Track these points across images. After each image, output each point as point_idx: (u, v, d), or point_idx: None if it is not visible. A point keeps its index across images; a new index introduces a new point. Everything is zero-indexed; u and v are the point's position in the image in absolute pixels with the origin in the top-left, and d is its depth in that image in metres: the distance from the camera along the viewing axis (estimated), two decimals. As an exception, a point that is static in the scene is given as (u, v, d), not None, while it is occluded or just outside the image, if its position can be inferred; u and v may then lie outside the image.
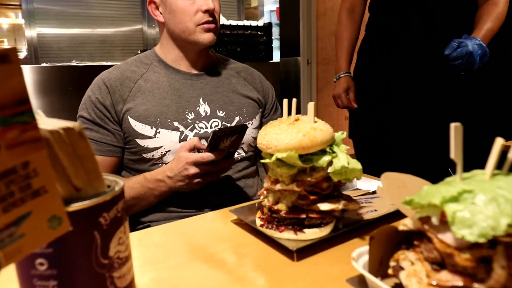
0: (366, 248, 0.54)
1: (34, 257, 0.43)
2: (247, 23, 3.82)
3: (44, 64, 3.46)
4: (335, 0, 3.65)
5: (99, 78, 1.17)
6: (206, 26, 1.15)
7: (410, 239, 0.49)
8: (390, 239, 0.52)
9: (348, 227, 0.73)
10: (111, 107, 1.12)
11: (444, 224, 0.42)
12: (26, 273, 0.43)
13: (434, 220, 0.44)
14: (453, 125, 0.44)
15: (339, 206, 0.70)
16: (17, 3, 4.07)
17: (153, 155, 1.12)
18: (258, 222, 0.75)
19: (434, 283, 0.43)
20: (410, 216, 0.49)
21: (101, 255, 0.46)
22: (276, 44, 4.25)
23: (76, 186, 0.45)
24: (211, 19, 1.15)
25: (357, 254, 0.54)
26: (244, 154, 1.22)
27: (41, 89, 3.17)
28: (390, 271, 0.50)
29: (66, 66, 3.37)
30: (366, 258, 0.53)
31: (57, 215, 0.39)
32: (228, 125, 1.19)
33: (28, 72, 3.12)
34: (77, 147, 0.44)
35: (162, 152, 1.13)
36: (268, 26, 3.86)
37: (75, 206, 0.44)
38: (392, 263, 0.50)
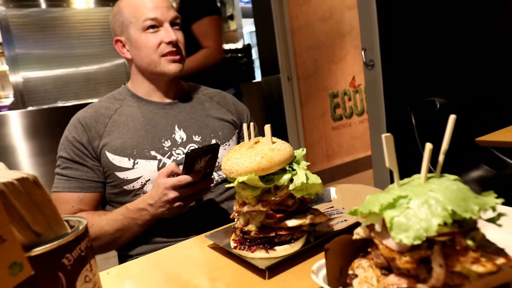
0: (324, 261, 0.55)
1: (0, 304, 0.45)
2: (226, 46, 3.90)
3: (30, 108, 3.50)
4: (309, 16, 3.76)
5: (75, 118, 1.20)
6: (170, 57, 1.19)
7: (367, 247, 0.52)
8: (347, 248, 0.54)
9: (319, 239, 0.75)
10: (88, 144, 1.15)
11: (387, 229, 0.44)
12: (-7, 321, 0.45)
13: (377, 227, 0.47)
14: (384, 136, 0.47)
15: (306, 220, 0.73)
16: (0, 51, 4.14)
17: (133, 186, 1.15)
18: (232, 244, 0.77)
19: (381, 287, 0.46)
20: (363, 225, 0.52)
21: (67, 294, 0.48)
22: (258, 64, 4.33)
23: (36, 231, 0.47)
24: (174, 49, 1.19)
25: (317, 267, 0.56)
26: (225, 176, 1.24)
27: (29, 133, 3.21)
28: (348, 280, 0.52)
29: (52, 108, 3.42)
30: (325, 270, 0.55)
31: (18, 261, 0.42)
32: None
33: (16, 117, 3.15)
34: (33, 195, 0.47)
35: (142, 182, 1.15)
36: (247, 47, 3.95)
37: (36, 251, 0.46)
38: (349, 272, 0.52)
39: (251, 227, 0.73)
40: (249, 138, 0.78)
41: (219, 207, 1.22)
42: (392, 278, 0.45)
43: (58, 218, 0.50)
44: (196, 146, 1.21)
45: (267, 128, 0.73)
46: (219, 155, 1.03)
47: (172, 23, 1.20)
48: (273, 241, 0.73)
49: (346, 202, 0.57)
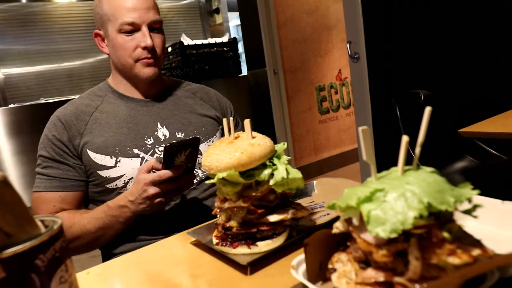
0: (304, 256, 0.55)
1: (-31, 309, 0.44)
2: (212, 40, 3.87)
3: (12, 105, 3.43)
4: (295, 9, 3.74)
5: (54, 116, 1.17)
6: (145, 61, 1.16)
7: (346, 241, 0.51)
8: (327, 243, 0.54)
9: (301, 234, 0.75)
10: (68, 143, 1.13)
11: (364, 223, 0.43)
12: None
13: (355, 221, 0.46)
14: (360, 129, 0.46)
15: (288, 215, 0.72)
16: (-21, 47, 4.04)
17: (116, 184, 1.13)
18: (214, 241, 0.77)
19: (360, 280, 0.46)
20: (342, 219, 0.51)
21: (42, 296, 0.47)
22: (244, 58, 4.31)
23: (7, 232, 0.46)
24: (149, 55, 1.16)
25: (297, 262, 0.55)
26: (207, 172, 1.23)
27: (12, 130, 3.15)
28: (327, 274, 0.52)
29: (35, 105, 3.36)
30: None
31: (-13, 264, 0.41)
32: None
33: (-3, 115, 3.09)
34: (2, 195, 0.45)
35: (124, 180, 1.13)
36: (233, 41, 3.92)
37: (7, 253, 0.45)
38: (329, 266, 0.52)
39: (233, 223, 0.72)
40: (229, 133, 0.77)
41: (203, 204, 1.21)
42: (370, 272, 0.45)
43: (30, 218, 0.48)
44: None
45: (247, 122, 0.72)
46: (201, 151, 1.01)
47: (151, 27, 1.16)
48: (255, 237, 0.72)
49: (326, 196, 0.57)
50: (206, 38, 4.38)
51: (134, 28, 1.14)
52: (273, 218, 0.72)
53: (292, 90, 3.77)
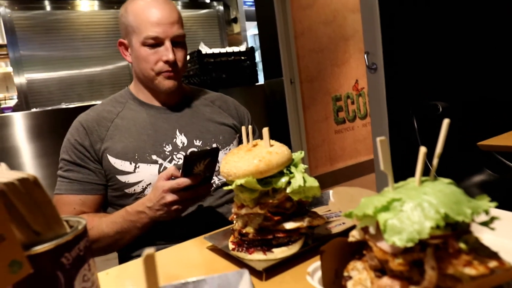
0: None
1: (-2, 302, 0.46)
2: (229, 49, 3.91)
3: (34, 110, 3.53)
4: (312, 19, 3.77)
5: (77, 121, 1.21)
6: (166, 74, 1.19)
7: (362, 249, 0.52)
8: (343, 250, 0.54)
9: (317, 242, 0.76)
10: (90, 147, 1.16)
11: (381, 232, 0.44)
12: (-9, 318, 0.46)
13: (371, 230, 0.47)
14: (378, 139, 0.47)
15: (303, 223, 0.73)
16: (5, 52, 4.18)
17: (134, 190, 1.16)
18: (230, 246, 0.78)
19: None
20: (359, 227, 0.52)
21: (66, 293, 0.49)
22: (261, 67, 4.35)
23: (36, 231, 0.48)
24: (171, 68, 1.18)
25: (313, 269, 0.56)
26: (224, 180, 1.25)
27: (33, 134, 3.23)
28: (342, 282, 0.52)
29: (56, 110, 3.44)
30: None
31: (17, 260, 0.43)
32: None
33: (20, 119, 3.18)
34: (33, 195, 0.48)
35: (143, 186, 1.16)
36: (251, 50, 3.96)
37: (36, 250, 0.47)
38: (345, 274, 0.53)
39: (249, 229, 0.74)
40: (248, 141, 0.78)
41: (219, 211, 1.23)
42: (386, 280, 0.46)
43: (58, 218, 0.51)
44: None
45: (265, 131, 0.73)
46: (219, 159, 1.03)
47: (174, 41, 1.18)
48: (271, 243, 0.73)
49: (342, 205, 0.58)
50: (224, 47, 4.44)
51: (157, 42, 1.16)
52: (289, 225, 0.72)
53: (308, 99, 3.78)
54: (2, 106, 4.38)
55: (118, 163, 1.15)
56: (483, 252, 0.43)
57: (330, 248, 0.53)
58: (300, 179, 0.69)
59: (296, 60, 3.67)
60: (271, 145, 0.74)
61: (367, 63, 2.70)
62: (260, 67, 4.46)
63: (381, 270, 0.48)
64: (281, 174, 0.72)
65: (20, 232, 0.48)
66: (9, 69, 4.42)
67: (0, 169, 0.51)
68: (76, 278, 0.51)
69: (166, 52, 1.16)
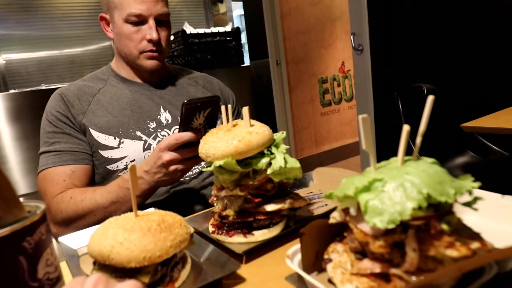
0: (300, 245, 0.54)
1: (-43, 291, 0.43)
2: (215, 29, 3.83)
3: (13, 91, 3.41)
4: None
5: (56, 94, 1.16)
6: (149, 54, 1.15)
7: (343, 231, 0.50)
8: (323, 232, 0.53)
9: (298, 224, 0.74)
10: (72, 118, 1.12)
11: (362, 213, 0.43)
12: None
13: (352, 211, 0.45)
14: (360, 117, 0.45)
15: (285, 205, 0.71)
16: (-20, 32, 4.01)
17: (117, 166, 1.12)
18: (210, 229, 0.76)
19: (355, 271, 0.45)
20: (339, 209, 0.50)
21: (30, 278, 0.46)
22: (247, 48, 4.28)
23: (-5, 215, 0.45)
24: (154, 48, 1.15)
25: (292, 252, 0.55)
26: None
27: (12, 116, 3.13)
28: (323, 265, 0.51)
29: (35, 91, 3.33)
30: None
31: (-24, 246, 0.40)
32: None
33: (-2, 100, 3.07)
34: (-9, 178, 0.44)
35: (126, 162, 1.13)
36: (237, 30, 3.88)
37: (-4, 234, 0.44)
38: (325, 256, 0.52)
39: (229, 212, 0.72)
40: (228, 120, 0.75)
41: (203, 193, 1.21)
42: (366, 263, 0.45)
43: (17, 201, 0.48)
44: None
45: (245, 110, 0.71)
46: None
47: (158, 19, 1.14)
48: (251, 226, 0.72)
49: (323, 186, 0.56)
50: (209, 27, 4.34)
51: (140, 20, 1.12)
52: (270, 207, 0.71)
53: (294, 81, 3.74)
54: (-21, 87, 4.23)
55: (102, 138, 1.11)
56: (465, 233, 0.43)
57: (310, 230, 0.52)
58: (281, 160, 0.67)
59: (282, 41, 3.61)
60: (252, 125, 0.71)
61: (353, 45, 2.67)
62: (246, 48, 4.39)
63: (361, 252, 0.47)
64: (261, 154, 0.70)
65: (-22, 217, 0.45)
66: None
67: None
68: (39, 262, 0.48)
69: (150, 30, 1.12)
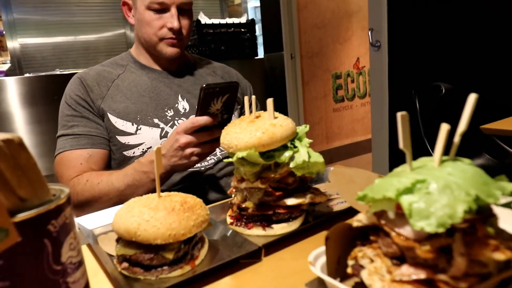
0: (322, 249, 0.52)
1: (-18, 271, 0.43)
2: (229, 20, 3.80)
3: (28, 75, 3.44)
4: (316, -8, 3.66)
5: (76, 77, 1.17)
6: (169, 41, 1.14)
7: (365, 234, 0.48)
8: (345, 236, 0.50)
9: (317, 219, 0.73)
10: (91, 103, 1.12)
11: (400, 216, 0.41)
12: (-26, 288, 0.43)
13: (391, 214, 0.42)
14: (399, 114, 0.42)
15: (305, 200, 0.70)
16: (-3, 15, 4.04)
17: (134, 152, 1.13)
18: (229, 220, 0.75)
19: (398, 278, 0.42)
20: (363, 211, 0.47)
21: (54, 262, 0.46)
22: (261, 40, 4.25)
23: (21, 196, 0.45)
24: (174, 36, 1.14)
25: (314, 257, 0.52)
26: (226, 152, 1.22)
27: (26, 100, 3.15)
28: (349, 270, 0.48)
29: (50, 75, 3.35)
30: (323, 259, 0.52)
31: (4, 227, 0.40)
32: None
33: (13, 83, 3.10)
34: (18, 158, 0.44)
35: (143, 149, 1.13)
36: (251, 22, 3.85)
37: (22, 216, 0.43)
38: (350, 262, 0.48)
39: (249, 204, 0.71)
40: (250, 111, 0.74)
41: (217, 184, 1.20)
42: (408, 269, 0.41)
43: (43, 183, 0.47)
44: None
45: (270, 102, 0.69)
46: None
47: (180, 8, 1.14)
48: (270, 219, 0.71)
49: (340, 187, 0.54)
50: (223, 18, 4.31)
51: (162, 8, 1.12)
52: (290, 201, 0.70)
53: (308, 76, 3.71)
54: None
55: (120, 123, 1.11)
56: (505, 236, 0.41)
57: (335, 234, 0.49)
58: (304, 154, 0.66)
59: (297, 35, 3.58)
60: (275, 117, 0.70)
61: (370, 40, 2.64)
62: (260, 40, 4.36)
63: (397, 257, 0.43)
64: (284, 148, 0.68)
65: (4, 198, 0.44)
66: (2, 32, 4.29)
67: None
68: (63, 246, 0.48)
69: (171, 19, 1.12)
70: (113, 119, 1.11)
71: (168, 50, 1.15)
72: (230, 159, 0.70)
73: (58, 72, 3.64)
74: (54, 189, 0.50)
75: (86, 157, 1.08)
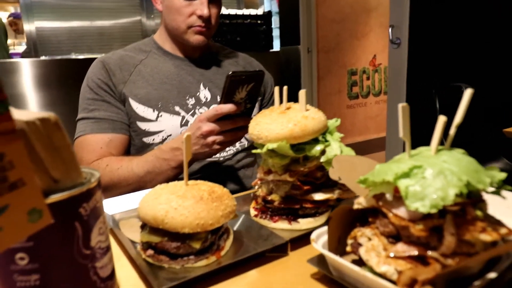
0: (324, 229, 0.55)
1: (13, 252, 0.42)
2: (246, 12, 3.77)
3: (43, 58, 3.44)
4: (336, -13, 3.60)
5: (98, 61, 1.15)
6: (197, 29, 1.13)
7: (364, 217, 0.51)
8: (346, 218, 0.54)
9: (343, 216, 0.71)
10: (113, 87, 1.11)
11: (397, 199, 0.45)
12: (5, 269, 0.42)
13: (388, 196, 0.46)
14: (400, 105, 0.46)
15: (333, 195, 0.69)
16: (15, -4, 4.05)
17: (153, 139, 1.11)
18: (253, 212, 0.74)
19: (392, 255, 0.45)
20: (364, 195, 0.51)
21: (83, 245, 0.45)
22: (276, 33, 4.21)
23: (54, 177, 0.44)
24: (203, 24, 1.12)
25: (316, 235, 0.55)
26: (245, 144, 1.21)
27: (41, 83, 3.16)
28: (348, 249, 0.52)
29: (65, 59, 3.35)
30: (324, 238, 0.55)
31: (37, 208, 0.38)
32: None
33: (28, 66, 3.10)
34: (53, 138, 0.43)
35: (163, 137, 1.12)
36: (268, 14, 3.81)
37: (55, 198, 0.43)
38: (349, 241, 0.52)
39: (275, 197, 0.69)
40: (280, 102, 0.72)
41: (235, 175, 1.19)
42: (402, 246, 0.45)
43: (76, 165, 0.46)
44: None
45: (302, 93, 0.67)
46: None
47: None
48: (297, 213, 0.69)
49: (342, 173, 0.55)
50: (240, 9, 4.28)
51: None
52: (318, 196, 0.68)
53: (323, 71, 3.67)
54: (10, 51, 4.30)
55: (141, 109, 1.10)
56: (492, 220, 0.45)
57: (337, 215, 0.53)
58: (336, 149, 0.64)
59: (315, 28, 3.53)
60: (307, 110, 0.68)
61: (390, 37, 2.59)
62: (276, 33, 4.32)
63: (393, 236, 0.47)
64: (315, 141, 0.67)
65: (38, 178, 0.43)
66: (19, 15, 4.30)
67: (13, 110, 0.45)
68: (93, 230, 0.47)
69: (201, 6, 1.10)
70: (134, 105, 1.10)
71: (195, 38, 1.14)
72: (258, 150, 0.68)
73: (73, 57, 3.65)
74: (85, 172, 0.49)
75: (107, 142, 1.07)
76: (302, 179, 0.68)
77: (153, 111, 1.10)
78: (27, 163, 0.36)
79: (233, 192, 0.94)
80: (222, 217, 0.58)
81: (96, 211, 0.47)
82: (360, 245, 0.50)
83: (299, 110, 0.68)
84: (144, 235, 0.60)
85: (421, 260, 0.44)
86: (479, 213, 0.42)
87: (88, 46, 4.14)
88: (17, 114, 0.40)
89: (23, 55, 4.13)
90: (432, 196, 0.40)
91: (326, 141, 0.67)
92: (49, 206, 0.40)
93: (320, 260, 0.55)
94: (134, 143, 1.13)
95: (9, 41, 4.59)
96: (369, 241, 0.49)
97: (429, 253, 0.43)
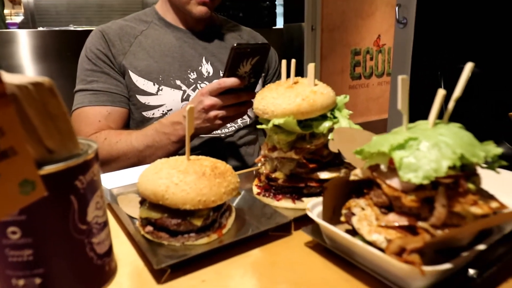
0: (320, 199, 0.56)
1: (5, 226, 0.40)
2: (249, -13, 3.67)
3: (41, 28, 3.36)
4: (342, -38, 3.49)
5: (97, 31, 1.11)
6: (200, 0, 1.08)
7: (361, 189, 0.51)
8: (341, 189, 0.54)
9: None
10: (112, 58, 1.07)
11: (391, 170, 0.45)
12: (-4, 242, 0.40)
13: (383, 167, 0.47)
14: (400, 77, 0.45)
15: (340, 174, 0.66)
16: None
17: (153, 114, 1.08)
18: (255, 190, 0.72)
19: (383, 224, 0.46)
20: (360, 166, 0.51)
21: (79, 220, 0.43)
22: (280, 10, 4.11)
23: (48, 147, 0.41)
24: None
25: (312, 205, 0.56)
26: (247, 121, 1.18)
27: (38, 54, 3.09)
28: (342, 218, 0.52)
29: (63, 31, 3.27)
30: (320, 208, 0.56)
31: (30, 179, 0.35)
32: None
33: (25, 36, 3.03)
34: (48, 105, 0.40)
35: (163, 111, 1.09)
36: (272, -10, 3.72)
37: (49, 169, 0.40)
38: (344, 211, 0.52)
39: (279, 175, 0.67)
40: (287, 76, 0.69)
41: (236, 152, 1.17)
42: (393, 216, 0.46)
43: (73, 135, 0.43)
44: None
45: (311, 67, 0.64)
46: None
47: None
48: (301, 192, 0.67)
49: (342, 145, 0.54)
50: (243, -16, 4.16)
51: None
52: (324, 175, 0.66)
53: (326, 50, 3.60)
54: (7, 21, 4.19)
55: (141, 82, 1.07)
56: (485, 194, 0.45)
57: (332, 186, 0.54)
58: (345, 126, 0.61)
59: (320, 6, 3.44)
60: (315, 84, 0.65)
61: (397, 17, 2.53)
62: (279, 10, 4.22)
63: (386, 207, 0.48)
64: (323, 118, 0.64)
65: (31, 147, 0.40)
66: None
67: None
68: (90, 204, 0.44)
69: None
70: (134, 77, 1.06)
71: (198, 9, 1.09)
72: (263, 126, 0.65)
73: (71, 28, 3.56)
74: (82, 144, 0.47)
75: (105, 115, 1.03)
76: (308, 157, 0.66)
77: (154, 84, 1.07)
78: (19, 131, 0.33)
79: (234, 169, 0.92)
80: (224, 194, 0.56)
81: (93, 184, 0.45)
82: (353, 214, 0.50)
83: (307, 84, 0.64)
84: (143, 211, 0.58)
85: (412, 230, 0.44)
86: (471, 186, 0.42)
87: (87, 18, 4.04)
88: (8, 78, 0.37)
89: (21, 25, 4.04)
90: (425, 168, 0.40)
91: (335, 117, 0.64)
92: (42, 177, 0.37)
93: (314, 229, 0.56)
94: (134, 117, 1.10)
95: (6, 11, 4.48)
96: (362, 211, 0.49)
97: (419, 223, 0.43)
